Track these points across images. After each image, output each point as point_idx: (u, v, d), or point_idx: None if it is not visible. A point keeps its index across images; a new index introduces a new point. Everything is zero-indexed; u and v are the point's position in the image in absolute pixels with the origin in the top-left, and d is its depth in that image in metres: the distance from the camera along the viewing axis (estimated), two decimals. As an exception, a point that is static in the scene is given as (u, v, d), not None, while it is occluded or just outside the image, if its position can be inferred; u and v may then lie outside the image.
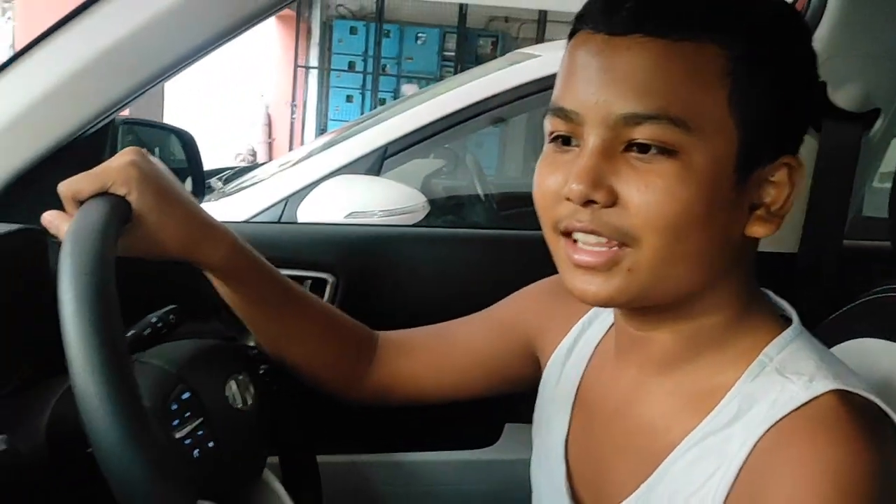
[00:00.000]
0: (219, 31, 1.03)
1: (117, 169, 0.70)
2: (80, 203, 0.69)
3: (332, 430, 1.16)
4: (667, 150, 0.57)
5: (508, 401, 0.95)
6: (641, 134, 0.57)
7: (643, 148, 0.58)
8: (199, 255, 0.77)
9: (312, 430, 0.95)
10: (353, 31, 9.73)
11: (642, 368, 0.69)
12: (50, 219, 0.72)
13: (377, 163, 2.05)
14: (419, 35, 9.54)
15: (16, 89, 1.02)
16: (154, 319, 0.95)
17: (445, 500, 1.18)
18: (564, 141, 0.62)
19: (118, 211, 0.69)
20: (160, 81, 1.07)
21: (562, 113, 0.61)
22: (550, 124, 0.63)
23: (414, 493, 1.18)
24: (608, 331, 0.78)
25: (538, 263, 0.76)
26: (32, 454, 0.70)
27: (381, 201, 1.83)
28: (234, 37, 1.06)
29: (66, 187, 0.70)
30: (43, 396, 0.76)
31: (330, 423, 1.15)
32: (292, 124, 9.88)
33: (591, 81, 0.59)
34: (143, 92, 1.07)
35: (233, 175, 2.59)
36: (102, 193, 0.70)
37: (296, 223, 1.63)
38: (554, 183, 0.62)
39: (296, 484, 0.90)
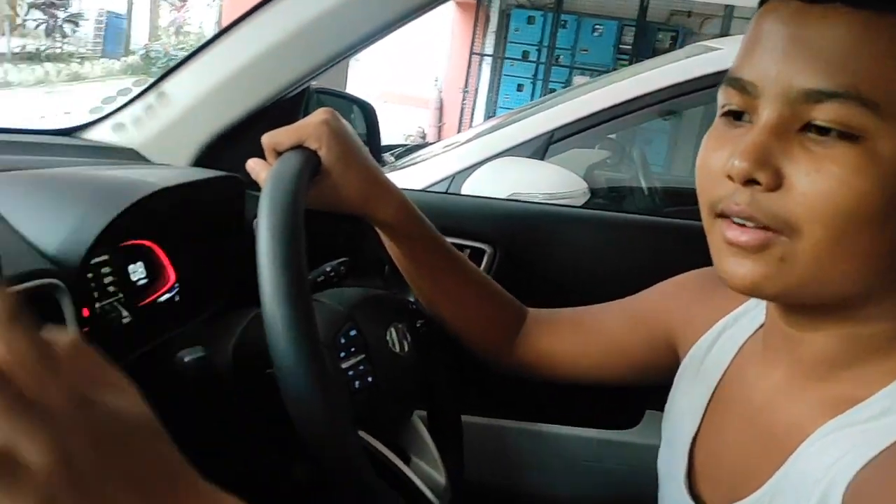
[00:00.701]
0: (402, 11, 1.12)
1: (312, 125, 0.79)
2: (279, 154, 0.79)
3: (480, 393, 1.23)
4: (849, 135, 0.52)
5: (652, 388, 0.96)
6: (823, 114, 0.52)
7: (822, 131, 0.53)
8: (372, 210, 0.85)
9: (460, 391, 1.01)
10: (530, 20, 9.75)
11: (791, 371, 0.65)
12: (253, 165, 0.82)
13: (542, 147, 2.08)
14: (596, 27, 9.41)
15: (226, 58, 1.16)
16: (328, 268, 1.05)
17: (581, 475, 1.21)
18: (736, 116, 0.58)
19: (310, 163, 0.78)
20: (349, 55, 1.18)
21: (737, 84, 0.57)
22: (724, 96, 0.59)
23: (551, 464, 1.22)
24: (756, 331, 0.74)
25: (694, 254, 0.77)
26: (222, 369, 0.81)
27: (544, 184, 1.86)
28: (414, 17, 1.15)
29: (268, 138, 0.80)
30: (233, 323, 0.87)
31: (478, 386, 1.22)
32: (462, 109, 10.08)
33: (775, 51, 0.54)
34: (333, 64, 1.19)
35: (403, 152, 2.71)
36: (298, 146, 0.79)
37: (462, 195, 1.70)
38: (718, 159, 0.58)
39: (440, 439, 0.96)
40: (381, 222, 0.87)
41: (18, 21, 11.33)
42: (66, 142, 1.17)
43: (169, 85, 1.20)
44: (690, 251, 0.78)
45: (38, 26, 11.42)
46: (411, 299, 0.99)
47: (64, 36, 11.70)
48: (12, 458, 0.31)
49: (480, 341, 0.97)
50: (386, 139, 2.44)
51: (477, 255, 1.21)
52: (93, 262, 0.90)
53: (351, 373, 0.75)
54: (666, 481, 0.81)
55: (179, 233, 1.04)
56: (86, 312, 0.86)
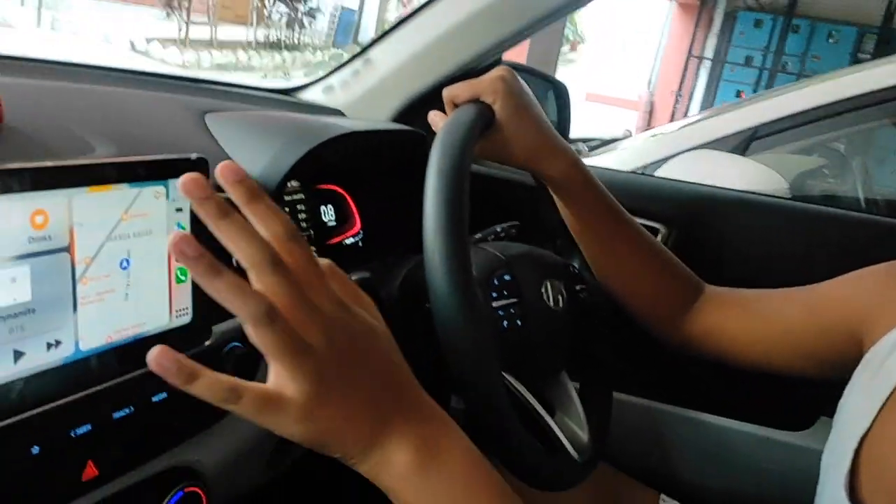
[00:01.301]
0: None
1: (489, 80, 0.83)
2: (456, 106, 0.84)
3: (637, 371, 1.21)
4: None
5: (829, 394, 0.90)
6: None
7: None
8: (541, 166, 0.88)
9: (616, 365, 1.01)
10: (757, 23, 9.20)
11: None
12: (433, 116, 0.88)
13: (743, 143, 1.98)
14: (832, 32, 8.67)
15: (425, 28, 1.24)
16: (498, 229, 1.10)
17: (735, 469, 1.16)
18: None
19: (483, 115, 0.82)
20: (540, 26, 1.21)
21: None
22: None
23: (704, 454, 1.18)
24: None
25: (880, 248, 0.72)
26: (389, 302, 0.88)
27: (739, 179, 1.77)
28: None
29: (447, 91, 0.85)
30: (401, 264, 0.94)
31: (636, 364, 1.21)
32: (674, 113, 9.73)
33: None
34: (523, 37, 1.23)
35: (599, 144, 2.69)
36: (474, 100, 0.83)
37: (644, 175, 1.68)
38: None
39: (588, 404, 0.96)
40: (549, 179, 0.90)
41: (265, 13, 12.55)
42: (283, 98, 1.31)
43: (375, 52, 1.31)
44: (877, 246, 0.73)
45: (280, 18, 12.57)
46: (575, 265, 1.01)
47: (302, 27, 12.78)
48: (300, 338, 0.42)
49: (649, 311, 0.96)
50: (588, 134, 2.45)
51: (650, 233, 1.20)
52: (290, 198, 1.02)
53: (501, 312, 0.79)
54: (826, 478, 0.76)
55: (367, 183, 1.13)
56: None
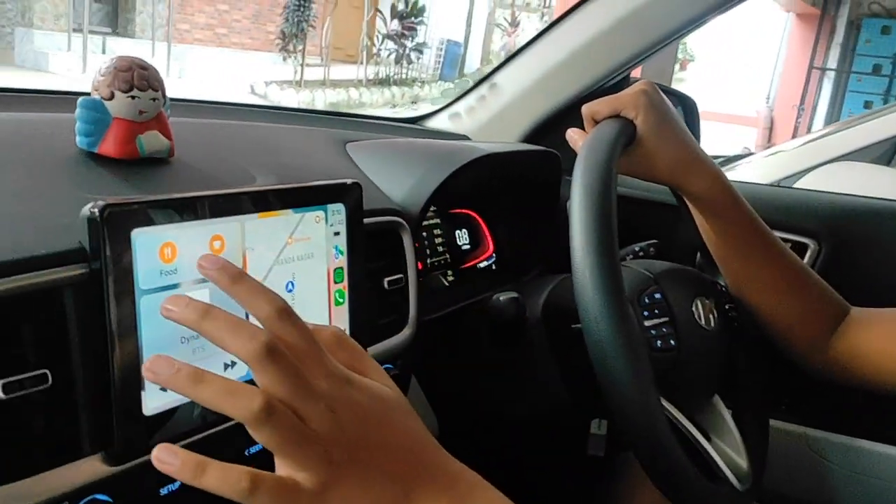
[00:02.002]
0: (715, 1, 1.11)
1: (630, 95, 0.82)
2: (596, 123, 0.83)
3: (789, 395, 1.15)
4: None
5: None
6: None
7: None
8: (684, 182, 0.85)
9: (770, 392, 0.96)
10: (884, 30, 8.70)
11: None
12: (571, 134, 0.86)
13: (889, 153, 1.86)
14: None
15: (550, 50, 1.25)
16: (637, 248, 1.07)
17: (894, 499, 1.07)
18: None
19: (625, 131, 0.80)
20: (663, 46, 1.20)
21: None
22: None
23: (868, 484, 1.09)
24: None
25: None
26: (533, 322, 0.87)
27: (888, 191, 1.66)
28: (729, 7, 1.13)
29: (587, 108, 0.84)
30: (543, 284, 0.93)
31: (789, 388, 1.14)
32: (796, 128, 9.29)
33: None
34: (649, 55, 1.21)
35: (723, 161, 2.60)
36: (615, 115, 0.82)
37: (788, 187, 1.60)
38: None
39: (743, 428, 0.92)
40: (692, 195, 0.86)
41: (374, 51, 12.97)
42: (412, 127, 1.34)
43: (500, 77, 1.32)
44: None
45: (389, 55, 12.94)
46: (721, 282, 0.97)
47: (409, 63, 13.10)
48: (303, 427, 0.39)
49: (791, 333, 0.91)
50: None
51: (799, 249, 1.13)
52: (427, 223, 1.03)
53: (653, 332, 0.76)
54: None
55: (500, 206, 1.13)
56: (419, 266, 0.99)
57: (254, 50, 12.78)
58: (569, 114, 1.26)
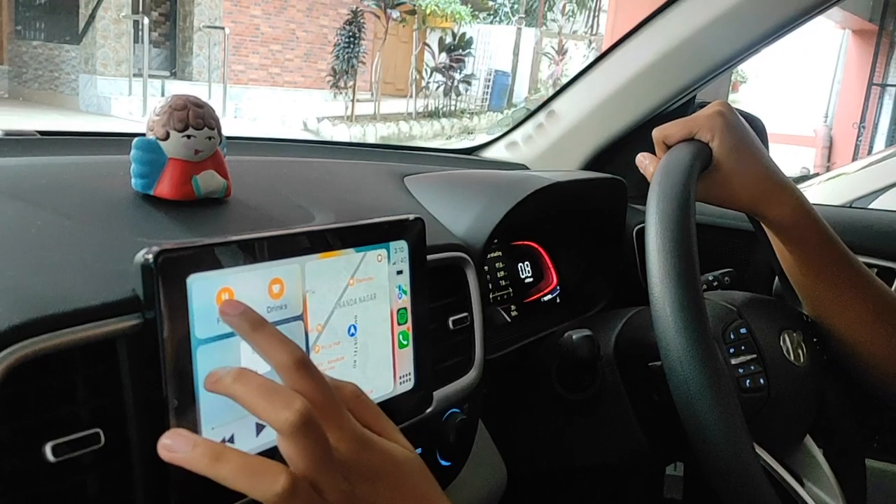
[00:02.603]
0: (775, 25, 1.06)
1: (705, 117, 0.77)
2: (668, 147, 0.78)
3: (882, 434, 1.06)
4: None
5: None
6: None
7: None
8: (763, 207, 0.79)
9: (864, 430, 0.89)
10: (948, 42, 8.41)
11: None
12: (642, 159, 0.82)
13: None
14: None
15: (610, 74, 1.21)
16: (710, 278, 1.01)
17: None
18: None
19: (701, 155, 0.76)
20: (727, 69, 1.15)
21: None
22: None
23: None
24: None
25: None
26: (605, 360, 0.82)
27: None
28: (799, 23, 1.08)
29: (658, 132, 0.79)
30: (614, 318, 0.88)
31: (879, 428, 1.06)
32: (857, 147, 9.01)
33: None
34: (712, 78, 1.16)
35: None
36: (689, 139, 0.77)
37: (868, 208, 1.51)
38: None
39: (840, 476, 0.85)
40: (773, 222, 0.81)
41: (423, 84, 13.09)
42: (468, 158, 1.31)
43: (558, 104, 1.28)
44: None
45: (437, 88, 13.05)
46: (805, 312, 0.90)
47: (458, 95, 13.19)
48: (318, 499, 0.38)
49: (881, 368, 0.84)
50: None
51: (885, 275, 1.06)
52: (490, 256, 0.99)
53: (741, 370, 0.70)
54: None
55: (563, 236, 1.09)
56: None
57: (306, 88, 13.04)
58: (631, 140, 1.21)
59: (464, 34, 13.32)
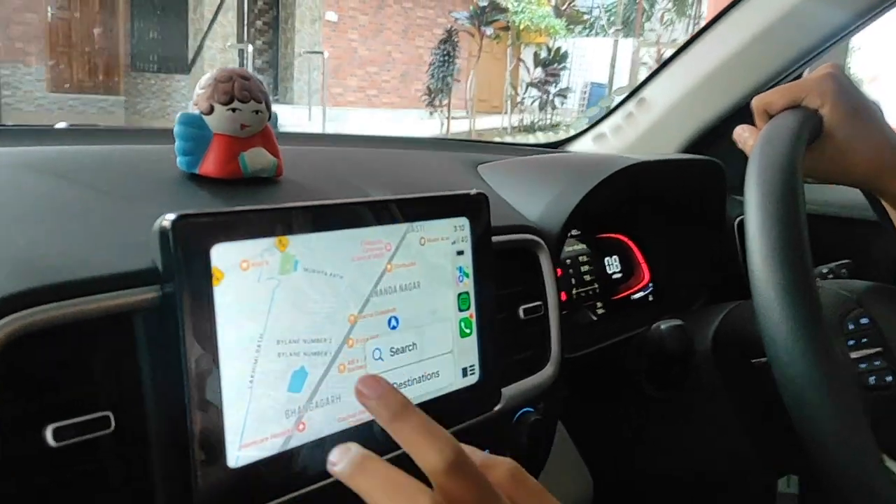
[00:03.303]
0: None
1: (813, 81, 0.67)
2: (771, 116, 0.69)
3: None
4: None
5: None
6: None
7: None
8: (885, 183, 0.68)
9: None
10: None
11: None
12: (740, 132, 0.73)
13: None
14: None
15: (704, 56, 1.11)
16: (825, 270, 0.90)
17: None
18: None
19: (808, 124, 0.66)
20: (835, 41, 1.04)
21: None
22: None
23: None
24: None
25: None
26: (701, 357, 0.73)
27: None
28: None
29: (758, 100, 0.70)
30: (711, 313, 0.78)
31: None
32: None
33: None
34: (823, 51, 1.05)
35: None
36: (795, 106, 0.68)
37: None
38: None
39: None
40: (894, 198, 0.70)
41: (518, 99, 13.04)
42: (552, 152, 1.24)
43: (648, 91, 1.19)
44: None
45: (533, 102, 12.96)
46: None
47: (553, 108, 13.05)
48: None
49: None
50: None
51: None
52: (571, 249, 0.92)
53: (863, 365, 0.60)
54: None
55: (655, 228, 1.00)
56: (563, 296, 0.87)
57: (402, 108, 13.24)
58: (730, 125, 1.11)
59: (559, 48, 13.20)
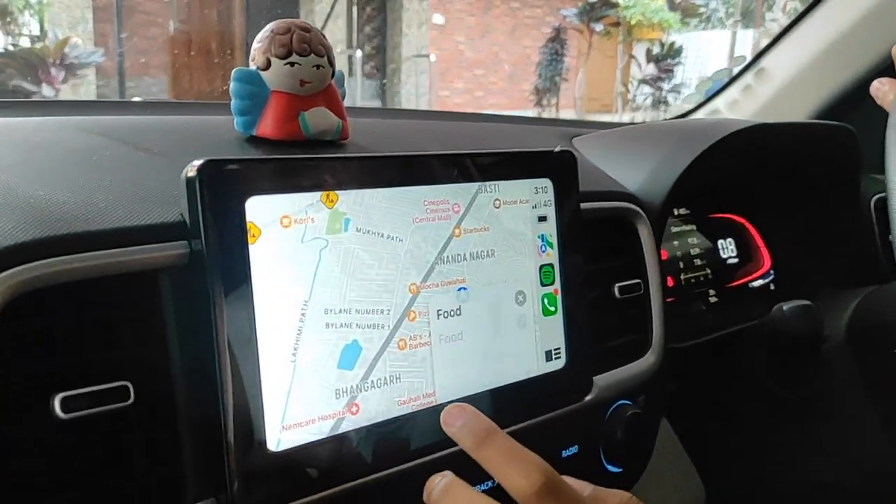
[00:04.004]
0: None
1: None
2: None
3: None
4: None
5: None
6: None
7: None
8: None
9: None
10: None
11: None
12: (879, 86, 0.63)
13: None
14: None
15: (833, 17, 0.99)
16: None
17: None
18: None
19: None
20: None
21: None
22: None
23: None
24: None
25: None
26: (834, 347, 0.63)
27: None
28: None
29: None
30: (843, 299, 0.68)
31: None
32: None
33: None
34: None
35: None
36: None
37: None
38: None
39: None
40: None
41: (629, 97, 12.69)
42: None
43: (768, 60, 1.08)
44: None
45: (645, 100, 12.57)
46: None
47: (667, 105, 12.63)
48: None
49: None
50: None
51: None
52: (679, 229, 0.82)
53: None
54: None
55: (777, 207, 0.89)
56: (670, 282, 0.78)
57: (510, 109, 13.18)
58: (865, 93, 0.98)
59: (672, 43, 12.76)
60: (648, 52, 12.59)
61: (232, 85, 0.52)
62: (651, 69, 12.44)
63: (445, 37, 12.30)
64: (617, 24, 12.44)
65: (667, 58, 12.43)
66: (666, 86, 12.53)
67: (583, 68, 11.53)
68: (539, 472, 0.31)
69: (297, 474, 0.37)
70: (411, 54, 11.72)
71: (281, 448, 0.37)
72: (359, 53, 10.24)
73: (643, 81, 12.50)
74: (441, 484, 0.33)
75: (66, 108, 0.59)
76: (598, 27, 11.29)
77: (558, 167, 0.49)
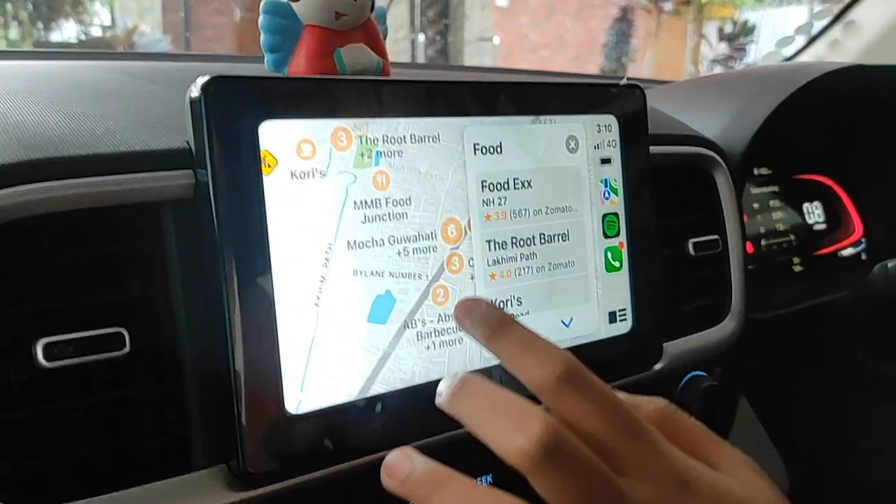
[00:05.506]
0: None
1: None
2: None
3: None
4: None
5: None
6: None
7: None
8: None
9: None
10: None
11: None
12: None
13: None
14: None
15: None
16: None
17: None
18: None
19: None
20: None
21: None
22: None
23: None
24: None
25: None
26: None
27: None
28: None
29: None
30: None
31: None
32: None
33: None
34: None
35: None
36: None
37: None
38: None
39: None
40: None
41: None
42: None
43: (858, 11, 0.98)
44: None
45: (716, 81, 12.20)
46: None
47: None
48: None
49: None
50: None
51: None
52: (760, 190, 0.75)
53: None
54: None
55: (871, 168, 0.80)
56: (750, 248, 0.71)
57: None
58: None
59: (745, 21, 12.32)
60: (720, 30, 12.19)
61: (261, 18, 0.47)
62: (723, 48, 12.04)
63: (509, 19, 12.14)
64: (687, 3, 12.07)
65: (739, 36, 12.00)
66: (738, 65, 12.13)
67: (651, 49, 11.22)
68: (559, 359, 0.26)
69: (319, 441, 0.33)
70: (474, 38, 11.63)
71: (301, 410, 0.32)
72: (421, 37, 10.20)
73: (714, 61, 12.13)
74: (453, 380, 0.27)
75: (94, 57, 0.56)
76: (668, 6, 10.94)
77: (625, 103, 0.43)
